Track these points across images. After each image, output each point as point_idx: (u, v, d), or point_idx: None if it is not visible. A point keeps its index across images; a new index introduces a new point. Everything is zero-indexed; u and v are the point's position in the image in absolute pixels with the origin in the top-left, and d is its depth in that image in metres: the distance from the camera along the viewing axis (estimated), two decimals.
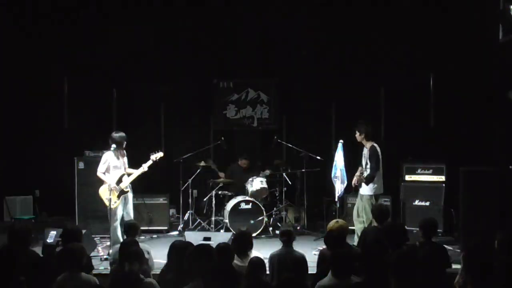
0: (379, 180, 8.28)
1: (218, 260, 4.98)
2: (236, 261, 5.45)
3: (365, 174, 8.21)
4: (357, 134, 8.37)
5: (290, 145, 10.11)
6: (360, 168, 8.32)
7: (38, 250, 7.74)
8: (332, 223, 6.47)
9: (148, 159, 8.25)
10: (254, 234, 7.34)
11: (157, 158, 8.32)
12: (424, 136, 10.67)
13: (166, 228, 9.82)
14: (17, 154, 11.22)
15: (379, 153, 8.29)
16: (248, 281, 4.93)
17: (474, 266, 4.50)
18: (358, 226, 8.17)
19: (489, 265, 4.49)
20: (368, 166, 8.23)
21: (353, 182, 8.36)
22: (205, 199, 9.92)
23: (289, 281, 4.38)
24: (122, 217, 8.04)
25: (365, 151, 8.38)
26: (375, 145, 8.34)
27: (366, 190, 8.26)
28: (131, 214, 8.16)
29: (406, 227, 6.49)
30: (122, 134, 8.20)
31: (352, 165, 8.69)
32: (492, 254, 4.81)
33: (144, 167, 8.19)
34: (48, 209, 9.84)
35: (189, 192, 9.82)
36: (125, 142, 8.20)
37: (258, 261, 5.09)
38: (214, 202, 9.55)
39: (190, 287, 4.66)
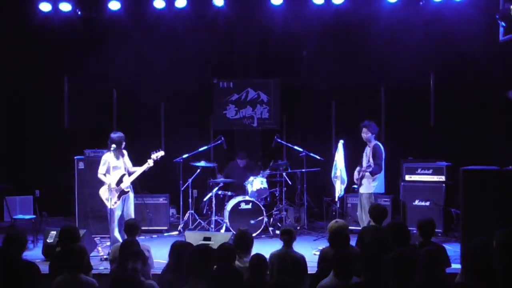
0: (380, 178, 8.27)
1: (220, 260, 4.97)
2: (236, 261, 5.44)
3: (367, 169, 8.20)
4: (367, 133, 8.33)
5: (290, 145, 10.11)
6: (358, 168, 8.34)
7: (38, 250, 7.78)
8: (332, 223, 6.47)
9: (149, 158, 8.24)
10: (254, 234, 7.30)
11: (159, 157, 8.31)
12: (424, 136, 10.67)
13: (166, 228, 9.82)
14: (17, 154, 11.23)
15: (383, 151, 8.29)
16: (250, 281, 4.92)
17: (474, 266, 4.50)
18: None
19: (489, 265, 4.49)
20: (371, 163, 8.22)
21: (355, 178, 8.35)
22: (205, 199, 9.91)
23: (280, 285, 4.34)
24: (122, 217, 8.03)
25: (368, 150, 8.36)
26: (379, 143, 8.34)
27: (365, 188, 8.25)
28: (132, 214, 8.14)
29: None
30: (120, 134, 8.19)
31: (352, 165, 8.69)
32: (492, 254, 4.80)
33: (144, 168, 8.18)
34: (48, 209, 9.83)
35: (189, 192, 9.82)
36: (124, 142, 8.19)
37: (260, 260, 5.06)
38: (214, 202, 9.55)
39: (189, 286, 4.65)
